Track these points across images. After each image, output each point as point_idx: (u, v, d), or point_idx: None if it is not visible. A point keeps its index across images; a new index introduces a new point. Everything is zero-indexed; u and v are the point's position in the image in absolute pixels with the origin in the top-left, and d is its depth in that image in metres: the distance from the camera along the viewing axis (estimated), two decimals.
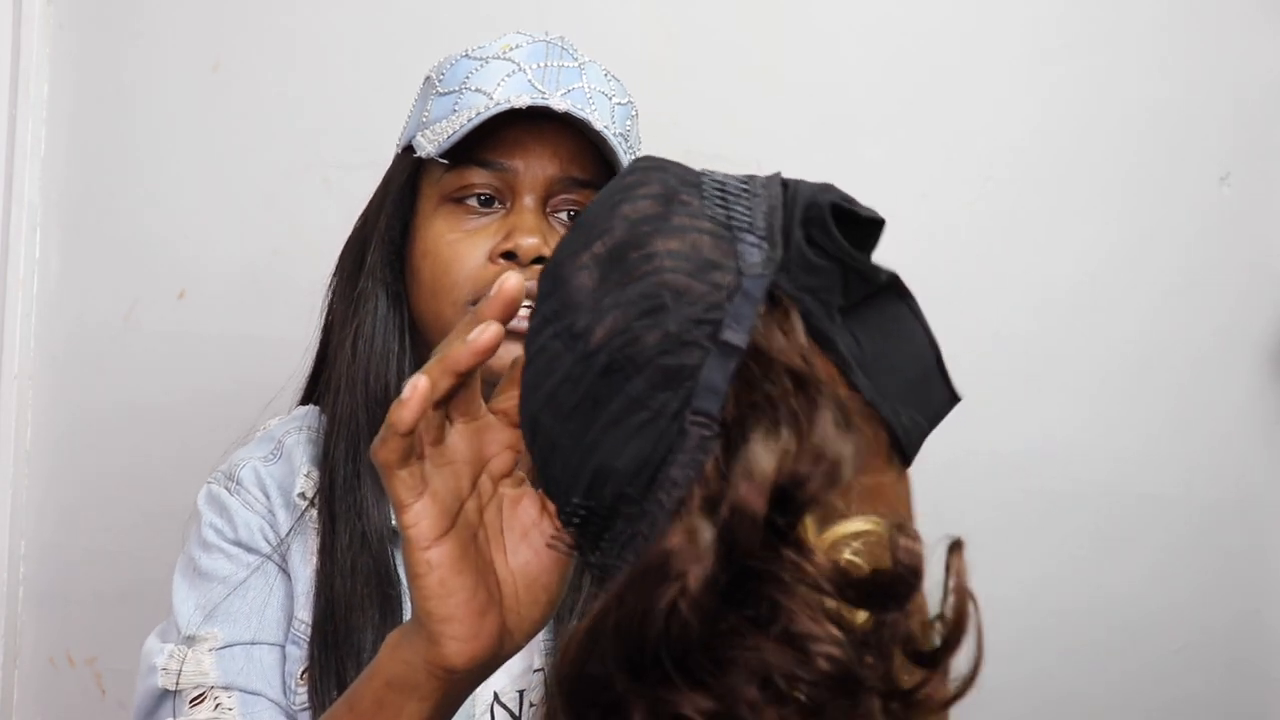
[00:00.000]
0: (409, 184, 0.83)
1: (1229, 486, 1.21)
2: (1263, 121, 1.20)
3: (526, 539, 0.50)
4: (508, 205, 0.79)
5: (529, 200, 0.78)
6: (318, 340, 0.87)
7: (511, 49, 0.81)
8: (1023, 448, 1.21)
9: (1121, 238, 1.21)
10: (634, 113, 0.85)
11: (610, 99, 0.82)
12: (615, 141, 0.78)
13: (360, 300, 0.81)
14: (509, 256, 0.76)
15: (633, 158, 0.83)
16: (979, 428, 1.19)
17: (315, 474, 0.80)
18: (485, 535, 0.50)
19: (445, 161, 0.79)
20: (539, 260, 0.76)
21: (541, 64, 0.80)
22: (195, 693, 0.73)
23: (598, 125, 0.76)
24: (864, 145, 1.20)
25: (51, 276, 1.34)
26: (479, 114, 0.76)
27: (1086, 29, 1.21)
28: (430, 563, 0.47)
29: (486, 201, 0.79)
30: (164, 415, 1.30)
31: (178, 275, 1.31)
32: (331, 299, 0.85)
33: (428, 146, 0.78)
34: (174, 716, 0.73)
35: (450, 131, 0.77)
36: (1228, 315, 1.20)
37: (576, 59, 0.82)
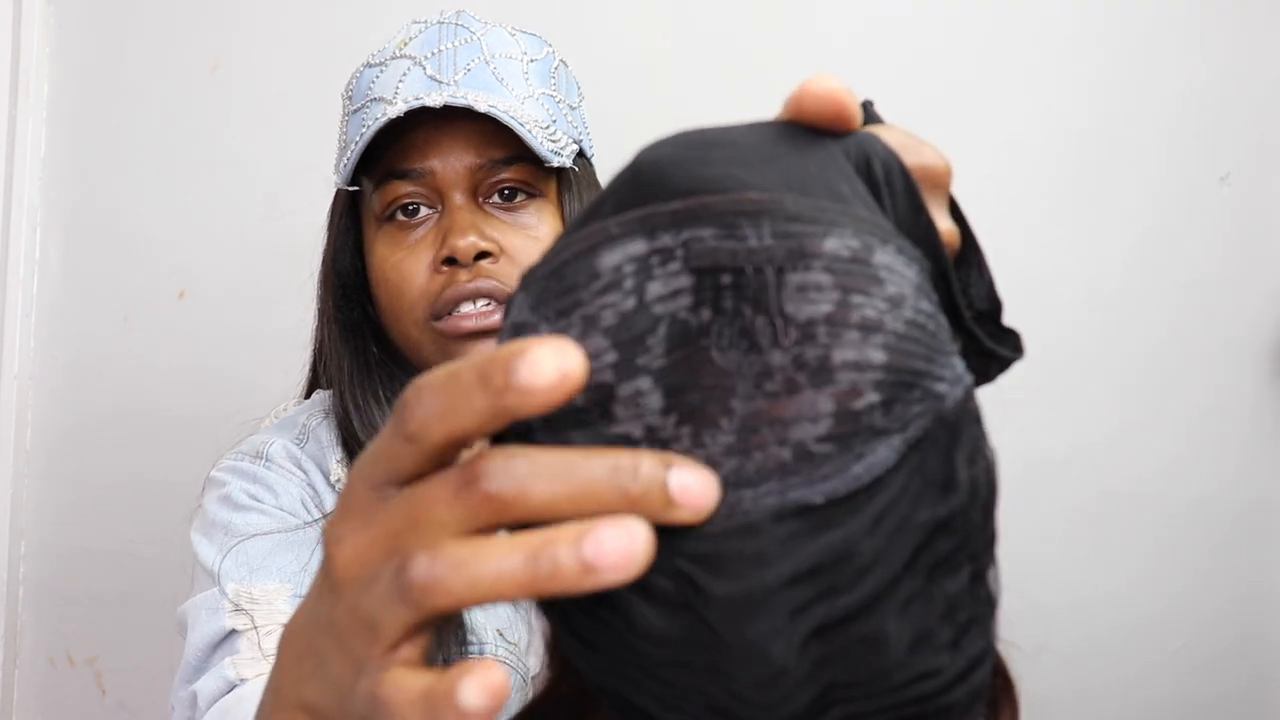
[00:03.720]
0: (349, 214, 0.82)
1: (1229, 486, 1.21)
2: (1263, 121, 1.20)
3: None
4: (439, 208, 0.77)
5: (458, 197, 0.76)
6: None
7: (407, 43, 0.79)
8: (1021, 449, 1.21)
9: (1121, 238, 1.21)
10: (556, 62, 0.82)
11: (522, 59, 0.79)
12: (529, 106, 0.76)
13: (327, 346, 0.81)
14: (450, 262, 0.74)
15: (567, 109, 0.81)
16: None
17: (345, 460, 0.79)
18: None
19: (355, 189, 0.78)
20: (483, 256, 0.74)
21: (435, 50, 0.78)
22: (268, 629, 0.69)
23: (482, 106, 0.73)
24: None
25: (51, 277, 1.34)
26: (369, 130, 0.74)
27: (1086, 31, 1.21)
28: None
29: (415, 211, 0.77)
30: (164, 415, 1.30)
31: (178, 275, 1.31)
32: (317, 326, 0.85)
33: (340, 175, 0.78)
34: (237, 653, 0.69)
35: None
36: (1228, 315, 1.20)
37: (473, 31, 0.79)
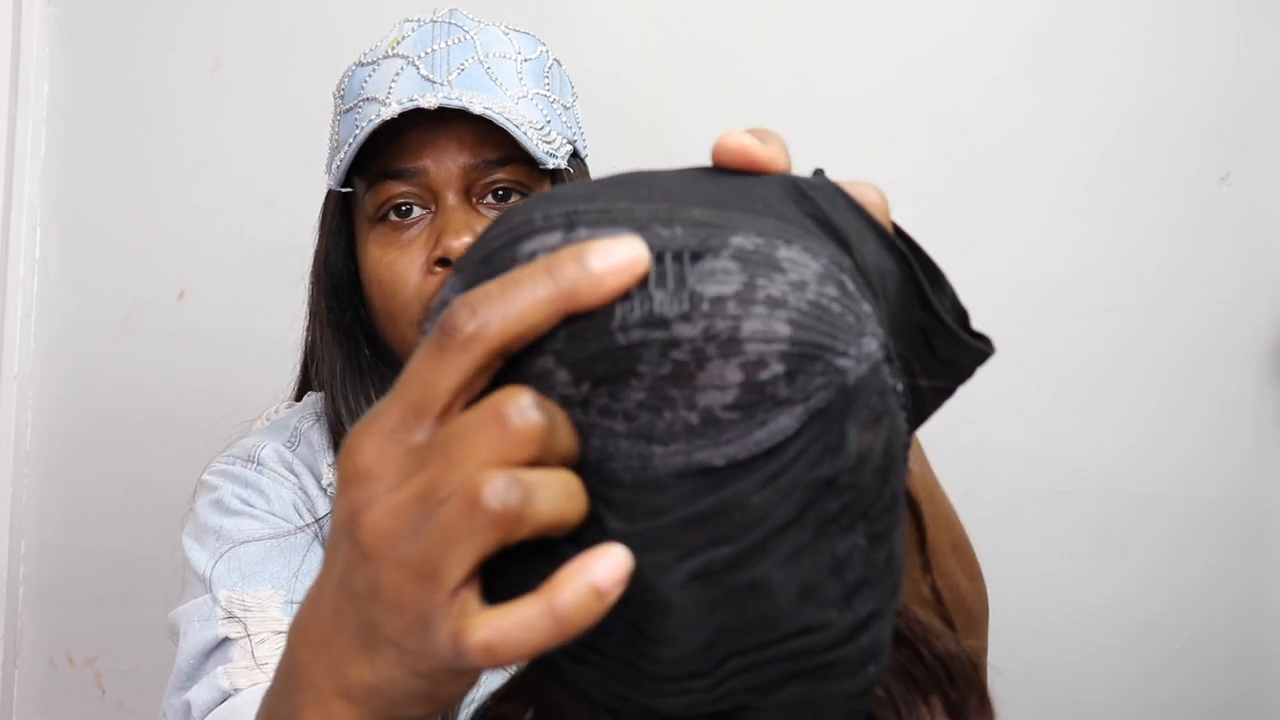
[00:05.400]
0: (341, 215, 0.81)
1: (1229, 485, 1.21)
2: (1263, 121, 1.20)
3: None
4: (433, 208, 0.77)
5: (451, 197, 0.76)
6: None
7: (399, 42, 0.78)
8: (1021, 447, 1.21)
9: (1122, 237, 1.21)
10: (550, 62, 0.82)
11: (516, 58, 0.78)
12: (523, 106, 0.75)
13: (319, 347, 0.81)
14: (444, 263, 0.74)
15: (560, 109, 0.81)
16: (978, 427, 1.19)
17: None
18: None
19: (348, 189, 0.78)
20: None
21: (428, 50, 0.77)
22: (260, 637, 0.69)
23: (477, 108, 0.73)
24: (864, 145, 1.20)
25: (51, 277, 1.34)
26: (362, 131, 0.74)
27: (1086, 29, 1.21)
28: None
29: (408, 211, 0.76)
30: (164, 415, 1.30)
31: (178, 275, 1.31)
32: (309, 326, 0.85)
33: (333, 176, 0.77)
34: (230, 661, 0.68)
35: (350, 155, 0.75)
36: (1227, 314, 1.20)
37: (467, 30, 0.78)
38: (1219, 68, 1.20)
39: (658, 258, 0.31)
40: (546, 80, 0.80)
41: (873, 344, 0.32)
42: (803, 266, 0.32)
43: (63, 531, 1.33)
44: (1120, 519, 1.21)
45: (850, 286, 0.32)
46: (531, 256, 0.32)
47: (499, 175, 0.76)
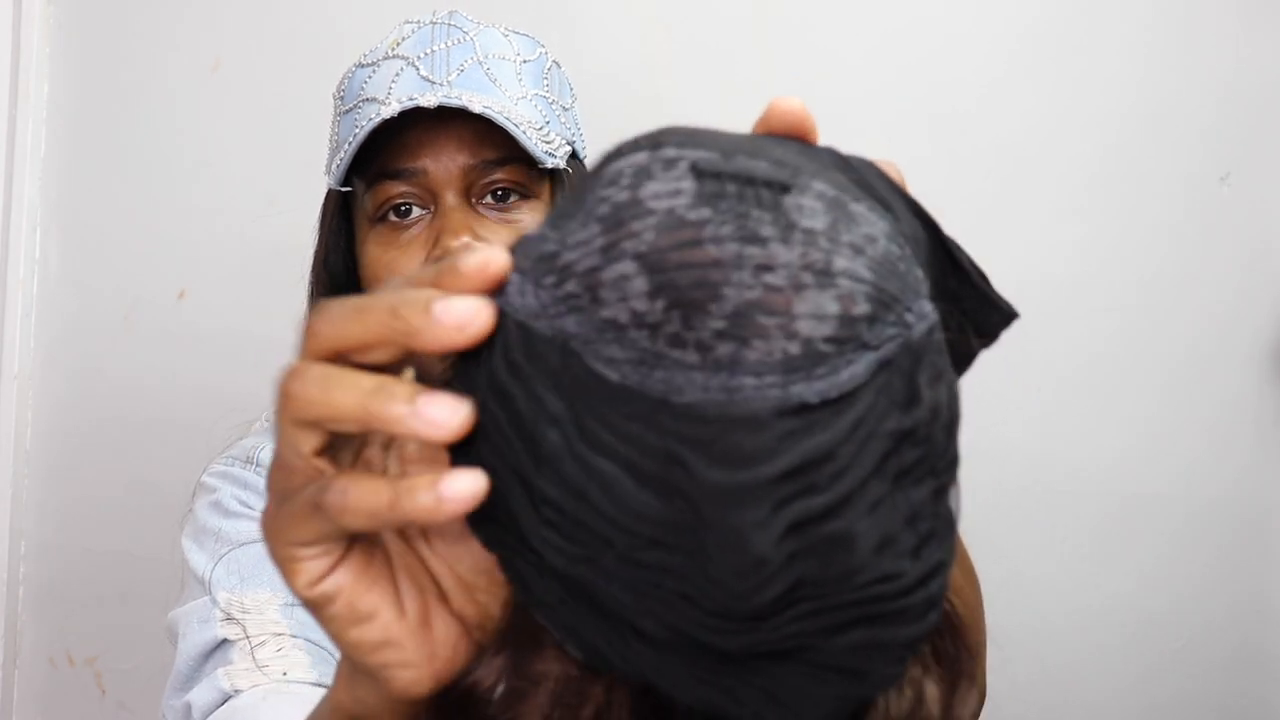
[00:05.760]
0: (340, 215, 0.81)
1: (1229, 485, 1.21)
2: (1263, 121, 1.20)
3: None
4: (432, 208, 0.77)
5: (450, 198, 0.76)
6: None
7: (399, 43, 0.78)
8: (1021, 447, 1.21)
9: (1121, 237, 1.21)
10: (549, 63, 0.82)
11: (516, 60, 0.79)
12: (522, 107, 0.75)
13: None
14: None
15: (560, 109, 0.81)
16: (978, 427, 1.19)
17: None
18: None
19: (348, 189, 0.78)
20: None
21: (428, 50, 0.77)
22: (259, 640, 0.69)
23: (477, 107, 0.73)
24: (864, 145, 1.20)
25: (51, 276, 1.34)
26: (361, 130, 0.74)
27: (1086, 28, 1.21)
28: (327, 594, 0.34)
29: (407, 211, 0.76)
30: (164, 415, 1.30)
31: (178, 275, 1.31)
32: None
33: (333, 175, 0.77)
34: (230, 663, 0.68)
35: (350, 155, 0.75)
36: (1227, 314, 1.20)
37: (466, 31, 0.79)
38: (1219, 68, 1.20)
39: (749, 181, 0.30)
40: (545, 81, 0.80)
41: (929, 305, 0.32)
42: (872, 223, 0.31)
43: (63, 531, 1.33)
44: (1120, 519, 1.21)
45: (908, 250, 0.32)
46: (616, 176, 0.32)
47: (498, 175, 0.76)
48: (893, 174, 0.36)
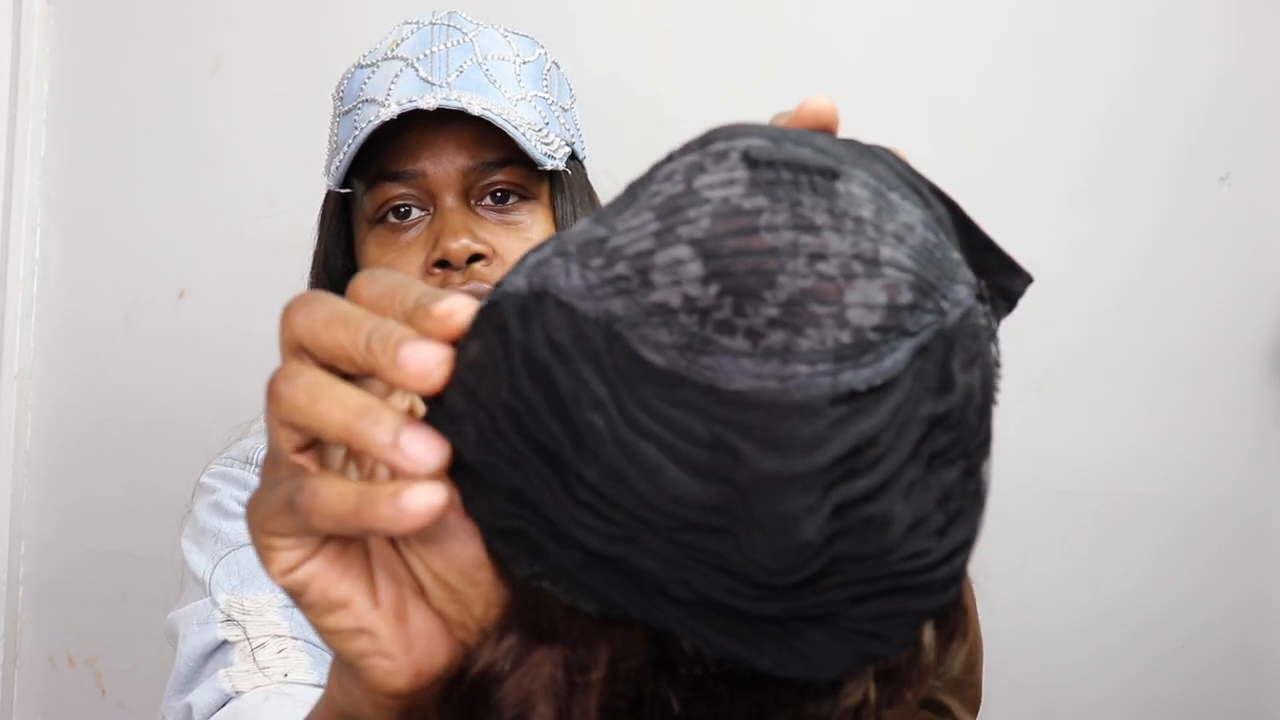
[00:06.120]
0: (340, 216, 0.81)
1: (1229, 484, 1.21)
2: (1263, 121, 1.20)
3: None
4: (431, 210, 0.77)
5: (450, 199, 0.76)
6: None
7: (399, 44, 0.78)
8: (1021, 446, 1.21)
9: (1121, 237, 1.21)
10: (548, 64, 0.82)
11: (515, 61, 0.79)
12: (521, 108, 0.75)
13: None
14: (443, 265, 0.74)
15: (559, 111, 0.81)
16: None
17: None
18: None
19: (347, 190, 0.77)
20: (476, 258, 0.74)
21: (428, 52, 0.77)
22: (260, 641, 0.69)
23: (476, 109, 0.73)
24: None
25: (51, 277, 1.34)
26: (361, 132, 0.74)
27: (1086, 28, 1.21)
28: (300, 581, 0.35)
29: (407, 213, 0.76)
30: (164, 415, 1.30)
31: (178, 275, 1.31)
32: None
33: (332, 177, 0.77)
34: (231, 665, 0.68)
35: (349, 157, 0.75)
36: (1227, 314, 1.20)
37: (466, 32, 0.79)
38: (1219, 68, 1.20)
39: (802, 169, 0.31)
40: (545, 82, 0.80)
41: (964, 290, 0.32)
42: (909, 212, 0.32)
43: (63, 531, 1.33)
44: (1119, 518, 1.21)
45: (943, 236, 0.33)
46: (670, 174, 0.32)
47: (497, 177, 0.76)
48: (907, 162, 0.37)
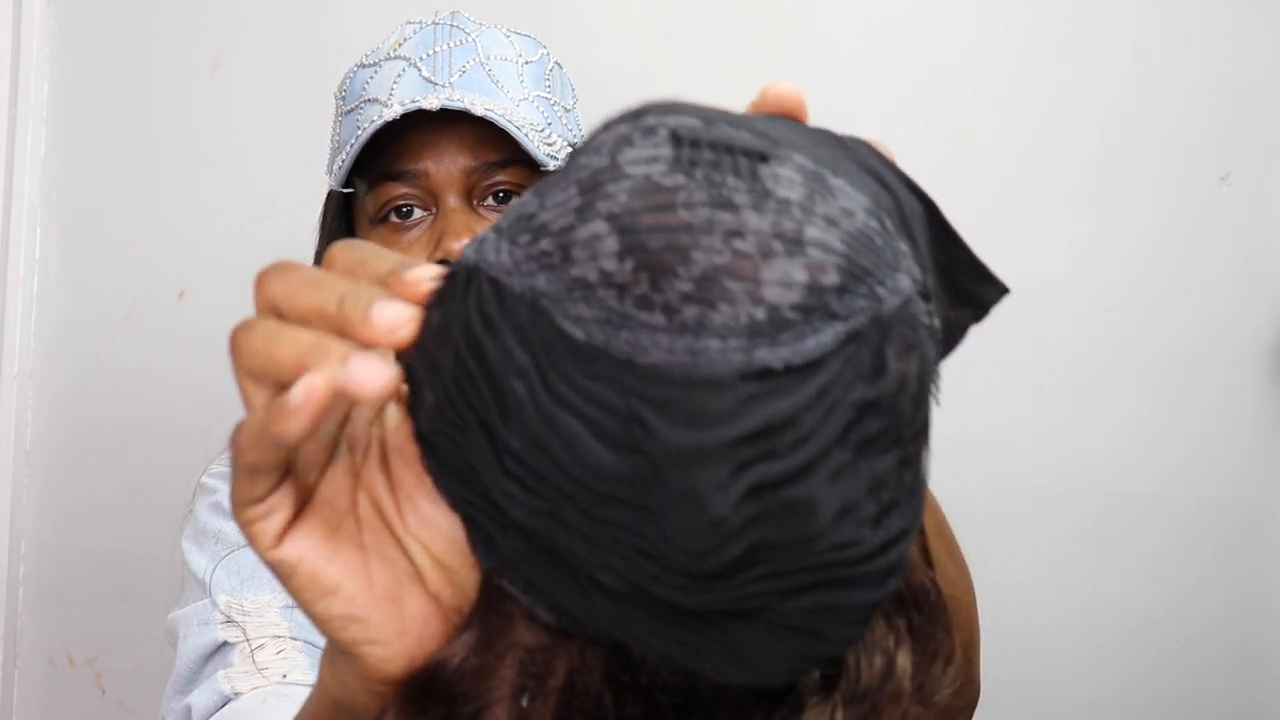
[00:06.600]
0: (342, 216, 0.81)
1: (1228, 484, 1.21)
2: (1263, 121, 1.20)
3: (424, 484, 0.35)
4: (433, 210, 0.77)
5: (452, 199, 0.76)
6: None
7: (401, 44, 0.78)
8: (1019, 446, 1.21)
9: (1121, 236, 1.21)
10: (551, 64, 0.82)
11: (518, 61, 0.79)
12: (524, 108, 0.75)
13: None
14: (445, 265, 0.74)
15: (561, 111, 0.81)
16: (976, 426, 1.19)
17: None
18: (366, 496, 0.36)
19: (349, 190, 0.77)
20: None
21: (430, 52, 0.77)
22: (259, 642, 0.69)
23: (479, 109, 0.73)
24: None
25: (51, 276, 1.34)
26: (364, 132, 0.74)
27: (1086, 28, 1.21)
28: (287, 561, 0.34)
29: (409, 213, 0.76)
30: (164, 415, 1.30)
31: (178, 275, 1.31)
32: None
33: (335, 177, 0.77)
34: (230, 666, 0.68)
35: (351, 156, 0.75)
36: (1226, 314, 1.20)
37: (468, 32, 0.79)
38: (1219, 67, 1.20)
39: (727, 149, 0.31)
40: (548, 83, 0.80)
41: (905, 280, 0.32)
42: (850, 197, 0.32)
43: (63, 531, 1.33)
44: (1119, 518, 1.21)
45: (888, 224, 0.33)
46: (599, 145, 0.33)
47: (500, 177, 0.76)
48: (885, 152, 0.37)
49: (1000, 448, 1.20)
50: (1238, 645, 1.21)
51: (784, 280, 0.30)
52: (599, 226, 0.31)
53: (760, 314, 0.29)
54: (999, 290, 0.39)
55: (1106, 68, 1.20)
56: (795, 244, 0.30)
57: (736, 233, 0.30)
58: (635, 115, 0.33)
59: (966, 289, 0.38)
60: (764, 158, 0.31)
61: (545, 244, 0.31)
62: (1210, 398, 1.21)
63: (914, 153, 1.22)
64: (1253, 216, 1.20)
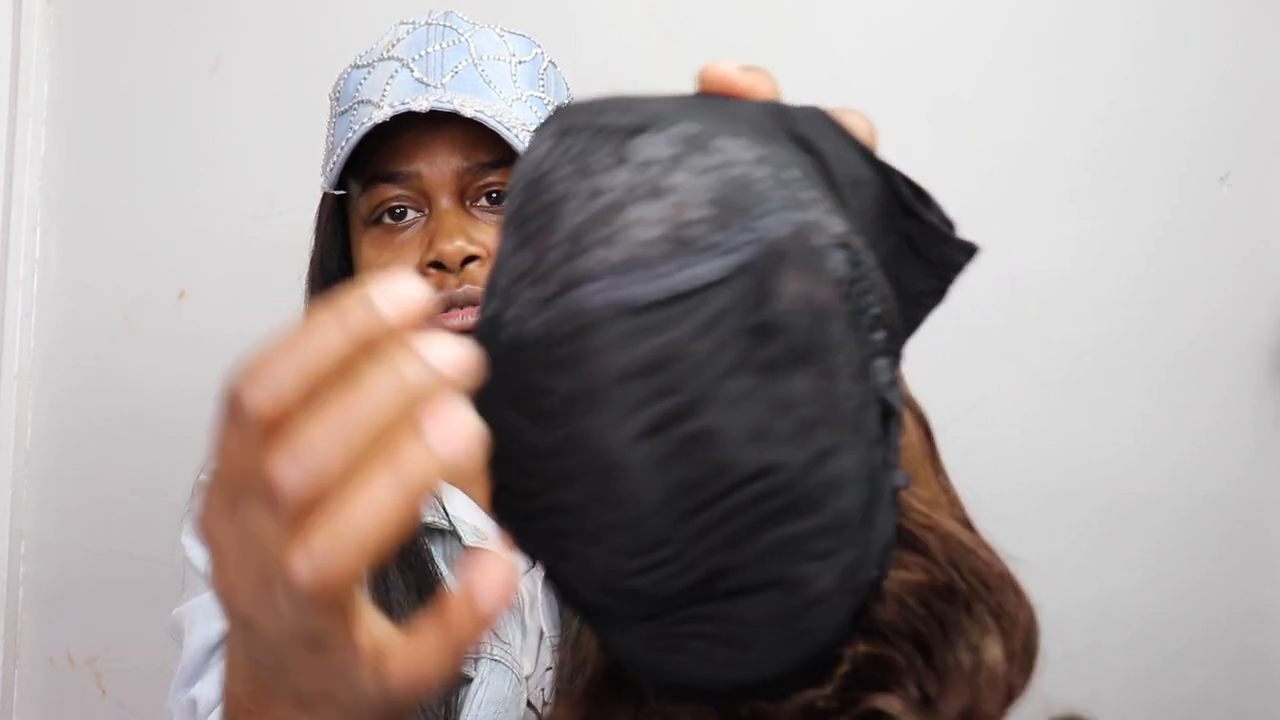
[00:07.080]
0: (336, 217, 0.81)
1: (1230, 484, 1.21)
2: (1263, 121, 1.20)
3: None
4: (426, 211, 0.77)
5: (444, 200, 0.76)
6: None
7: (394, 45, 0.78)
8: (1021, 445, 1.21)
9: (1121, 236, 1.21)
10: (545, 64, 0.82)
11: (510, 61, 0.79)
12: (517, 109, 0.76)
13: None
14: (437, 266, 0.74)
15: (554, 108, 0.82)
16: (977, 424, 1.19)
17: None
18: None
19: (342, 192, 0.78)
20: (470, 260, 0.74)
21: (423, 52, 0.77)
22: None
23: (469, 111, 0.73)
24: None
25: (51, 276, 1.34)
26: (355, 133, 0.74)
27: (1087, 28, 1.21)
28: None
29: (402, 214, 0.76)
30: (164, 415, 1.30)
31: (178, 275, 1.31)
32: None
33: (327, 178, 0.77)
34: None
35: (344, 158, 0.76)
36: (1227, 314, 1.20)
37: (461, 32, 0.79)
38: (1219, 67, 1.20)
39: (599, 131, 0.33)
40: (541, 82, 0.80)
41: (801, 215, 0.33)
42: (735, 152, 0.33)
43: (63, 531, 1.33)
44: (1120, 518, 1.21)
45: (790, 175, 0.34)
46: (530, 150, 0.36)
47: (492, 178, 0.76)
48: (854, 122, 0.39)
49: (1000, 448, 1.20)
50: (1241, 644, 1.21)
51: (644, 220, 0.31)
52: (508, 235, 0.34)
53: (622, 253, 0.31)
54: (966, 251, 0.39)
55: (1107, 67, 1.20)
56: (655, 191, 0.32)
57: (598, 192, 0.32)
58: (546, 120, 0.36)
59: (931, 254, 0.39)
60: (637, 130, 0.33)
61: (503, 276, 0.35)
62: (1212, 396, 1.21)
63: (916, 152, 1.21)
64: (1253, 216, 1.20)
